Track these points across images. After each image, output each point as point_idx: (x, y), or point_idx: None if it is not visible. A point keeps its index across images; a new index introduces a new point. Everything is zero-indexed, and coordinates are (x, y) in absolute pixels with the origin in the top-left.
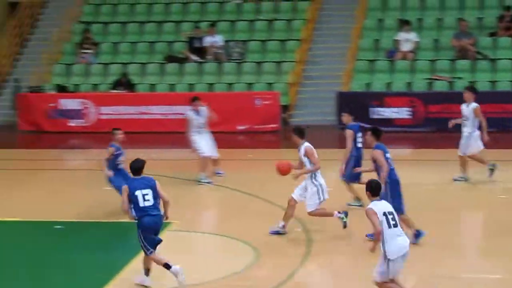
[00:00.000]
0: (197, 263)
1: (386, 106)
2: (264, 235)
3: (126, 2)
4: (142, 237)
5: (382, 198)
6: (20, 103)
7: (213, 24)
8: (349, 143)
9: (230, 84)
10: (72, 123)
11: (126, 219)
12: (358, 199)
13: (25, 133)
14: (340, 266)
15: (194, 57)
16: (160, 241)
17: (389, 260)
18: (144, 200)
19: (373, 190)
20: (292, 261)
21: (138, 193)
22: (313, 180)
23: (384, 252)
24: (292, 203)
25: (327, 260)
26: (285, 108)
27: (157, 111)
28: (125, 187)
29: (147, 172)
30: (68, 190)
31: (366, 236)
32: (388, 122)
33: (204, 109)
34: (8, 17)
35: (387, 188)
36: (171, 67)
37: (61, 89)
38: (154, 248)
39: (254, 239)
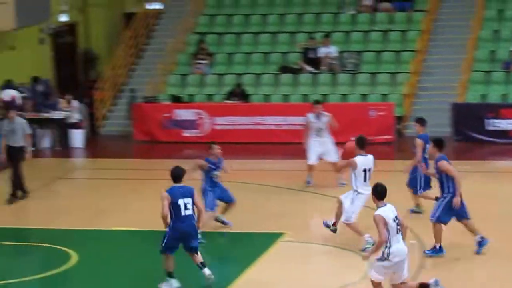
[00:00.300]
0: (311, 274)
1: (501, 118)
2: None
3: (241, 13)
4: (167, 238)
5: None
6: (135, 113)
7: (327, 34)
8: (419, 153)
9: (344, 95)
10: (187, 133)
11: (241, 230)
12: (418, 205)
13: (140, 143)
14: (455, 279)
15: (308, 68)
16: (196, 248)
17: (388, 261)
18: (185, 208)
19: (379, 194)
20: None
21: (181, 201)
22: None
23: (388, 253)
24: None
25: (442, 273)
26: (400, 119)
27: (271, 122)
28: (166, 195)
29: (261, 182)
30: None
31: (424, 252)
32: (504, 134)
33: (325, 114)
34: (124, 28)
35: (448, 200)
36: (286, 77)
37: (176, 99)
38: (171, 252)
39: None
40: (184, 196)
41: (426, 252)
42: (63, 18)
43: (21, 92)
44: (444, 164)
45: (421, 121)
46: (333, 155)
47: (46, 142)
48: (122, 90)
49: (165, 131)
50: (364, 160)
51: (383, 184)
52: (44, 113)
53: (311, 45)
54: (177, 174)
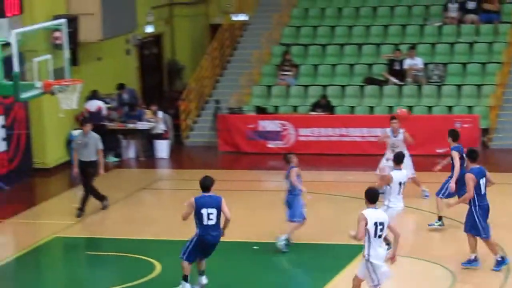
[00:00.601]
0: (394, 286)
1: None
2: (463, 259)
3: (326, 25)
4: (191, 245)
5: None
6: (220, 124)
7: (413, 46)
8: (457, 164)
9: (429, 107)
10: (271, 144)
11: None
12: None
13: (224, 154)
14: None
15: (393, 80)
16: (207, 256)
17: (371, 262)
18: (208, 219)
19: (370, 198)
20: (491, 286)
21: (204, 211)
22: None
23: (367, 255)
24: None
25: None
26: (485, 131)
27: (355, 134)
28: (192, 202)
29: (344, 193)
30: (266, 211)
31: (462, 264)
32: None
33: (400, 131)
34: (210, 39)
35: (477, 212)
36: (370, 89)
37: (261, 110)
38: (191, 260)
39: (453, 264)
40: (209, 206)
41: (463, 264)
42: (149, 29)
43: (107, 102)
44: (467, 177)
45: (453, 134)
46: (409, 170)
47: (131, 152)
48: (207, 101)
49: (249, 142)
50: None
51: (374, 188)
52: (129, 123)
53: (396, 56)
54: (205, 185)
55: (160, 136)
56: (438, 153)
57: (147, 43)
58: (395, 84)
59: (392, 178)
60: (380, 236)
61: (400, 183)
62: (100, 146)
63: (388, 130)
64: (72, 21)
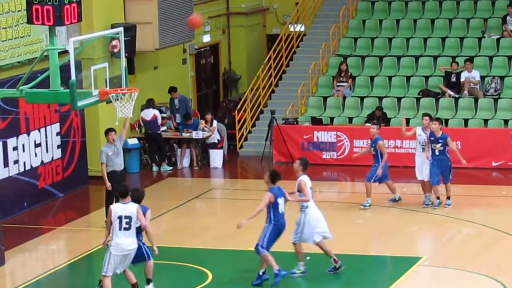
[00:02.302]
0: None
1: None
2: None
3: (383, 36)
4: (269, 234)
5: None
6: (275, 134)
7: (470, 59)
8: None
9: (485, 120)
10: (326, 155)
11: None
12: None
13: (279, 164)
14: None
15: (450, 92)
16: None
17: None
18: (282, 207)
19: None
20: None
21: (280, 200)
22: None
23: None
24: None
25: None
26: None
27: (411, 146)
28: (270, 194)
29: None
30: None
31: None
32: None
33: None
34: (266, 49)
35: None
36: (426, 101)
37: (316, 121)
38: (269, 247)
39: (505, 277)
40: (281, 196)
41: None
42: (206, 38)
43: (162, 111)
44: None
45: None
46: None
47: (185, 161)
48: (262, 111)
49: (304, 153)
50: None
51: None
52: (184, 133)
53: (453, 69)
54: (275, 177)
55: (214, 146)
56: (494, 166)
57: (204, 53)
58: (451, 96)
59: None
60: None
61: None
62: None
63: (418, 128)
64: (130, 29)
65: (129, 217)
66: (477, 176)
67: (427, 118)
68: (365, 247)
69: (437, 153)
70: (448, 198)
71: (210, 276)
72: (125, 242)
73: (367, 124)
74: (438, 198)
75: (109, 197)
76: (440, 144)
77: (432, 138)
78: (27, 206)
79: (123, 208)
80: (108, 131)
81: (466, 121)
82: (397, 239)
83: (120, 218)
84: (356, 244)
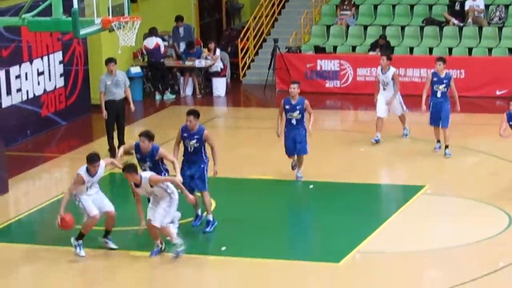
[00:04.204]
0: (449, 227)
1: None
2: None
3: None
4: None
5: None
6: (278, 63)
7: None
8: None
9: (489, 48)
10: (329, 84)
11: (382, 182)
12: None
13: (282, 93)
14: None
15: (454, 21)
16: None
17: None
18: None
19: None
20: None
21: (289, 115)
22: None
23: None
24: None
25: None
26: None
27: (414, 74)
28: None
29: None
30: (322, 151)
31: None
32: None
33: (392, 69)
34: None
35: None
36: (430, 30)
37: (319, 50)
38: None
39: (509, 206)
40: (293, 111)
41: None
42: None
43: (165, 40)
44: None
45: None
46: (398, 109)
47: (188, 90)
48: (265, 40)
49: (307, 81)
50: None
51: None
52: (187, 61)
53: None
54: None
55: (217, 74)
56: (498, 95)
57: None
58: (455, 25)
59: None
60: None
61: None
62: (128, 83)
63: (379, 68)
64: None
65: None
66: (481, 104)
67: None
68: (368, 176)
69: (438, 95)
70: (447, 147)
71: (214, 204)
72: None
73: (371, 53)
74: (438, 141)
75: (108, 126)
76: (443, 85)
77: (435, 79)
78: (30, 134)
79: None
80: (107, 61)
81: (470, 49)
82: (400, 168)
83: None
84: (359, 173)
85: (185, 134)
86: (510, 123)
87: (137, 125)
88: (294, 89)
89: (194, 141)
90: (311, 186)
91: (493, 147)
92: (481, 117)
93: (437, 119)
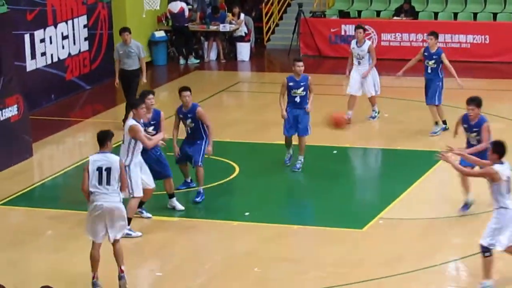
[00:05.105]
0: (471, 193)
1: None
2: None
3: None
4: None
5: None
6: (303, 28)
7: None
8: None
9: None
10: None
11: (400, 147)
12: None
13: (306, 57)
14: None
15: None
16: None
17: None
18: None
19: None
20: None
21: (293, 91)
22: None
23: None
24: None
25: None
26: None
27: (439, 40)
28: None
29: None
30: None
31: None
32: None
33: (367, 43)
34: None
35: None
36: None
37: (344, 15)
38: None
39: None
40: (297, 87)
41: None
42: None
43: (189, 4)
44: None
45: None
46: (371, 87)
47: (212, 54)
48: (290, 4)
49: (332, 46)
50: None
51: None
52: (211, 25)
53: None
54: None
55: (241, 39)
56: None
57: None
58: None
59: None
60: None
61: None
62: (143, 54)
63: (353, 41)
64: None
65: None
66: (503, 70)
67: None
68: (391, 142)
69: (429, 70)
70: (436, 123)
71: (237, 169)
72: None
73: (395, 18)
74: (444, 122)
75: (125, 92)
76: (433, 61)
77: (426, 54)
78: (54, 98)
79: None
80: (121, 31)
81: (494, 15)
82: (424, 135)
83: None
84: (382, 139)
85: (181, 115)
86: (464, 125)
87: (161, 89)
88: (301, 67)
89: (189, 120)
90: (334, 152)
91: None
92: (504, 83)
93: (431, 97)
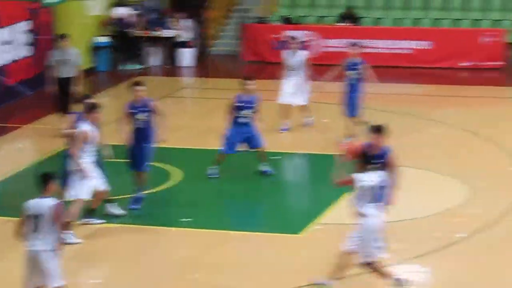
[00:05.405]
0: (410, 199)
1: None
2: (479, 173)
3: None
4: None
5: None
6: (246, 33)
7: None
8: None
9: (456, 20)
10: None
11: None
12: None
13: (249, 63)
14: None
15: None
16: None
17: None
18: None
19: None
20: (506, 201)
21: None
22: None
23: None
24: None
25: None
26: (511, 45)
27: (381, 45)
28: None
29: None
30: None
31: None
32: None
33: (301, 53)
34: None
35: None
36: (398, 1)
37: (286, 20)
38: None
39: (469, 177)
40: (248, 108)
41: None
42: None
43: (133, 9)
44: None
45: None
46: (298, 97)
47: (156, 60)
48: (234, 10)
49: (274, 52)
50: None
51: None
52: (155, 31)
53: None
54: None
55: (185, 44)
56: (462, 66)
57: None
58: None
59: None
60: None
61: None
62: (79, 62)
63: (286, 51)
64: None
65: None
66: (445, 76)
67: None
68: (328, 147)
69: (351, 81)
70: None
71: (181, 175)
72: None
73: (338, 24)
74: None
75: (60, 100)
76: (355, 71)
77: (348, 64)
78: None
79: None
80: (59, 37)
81: (437, 21)
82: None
83: None
84: (319, 144)
85: (132, 110)
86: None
87: (103, 95)
88: (252, 85)
89: (142, 114)
90: (274, 157)
91: (456, 118)
92: (445, 89)
93: (350, 106)
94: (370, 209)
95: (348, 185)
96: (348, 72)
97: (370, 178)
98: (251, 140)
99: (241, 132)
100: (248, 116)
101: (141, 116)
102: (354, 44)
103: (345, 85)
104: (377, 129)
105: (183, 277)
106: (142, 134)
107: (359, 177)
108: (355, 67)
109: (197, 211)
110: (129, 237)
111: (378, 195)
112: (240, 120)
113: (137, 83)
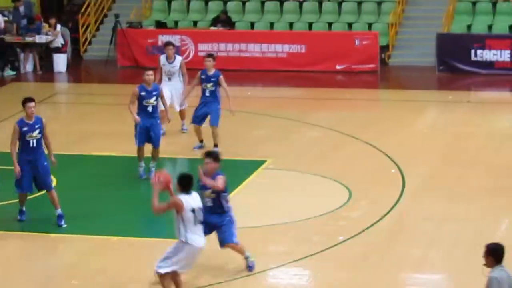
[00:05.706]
0: (290, 202)
1: (487, 49)
2: (359, 176)
3: None
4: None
5: None
6: (120, 38)
7: None
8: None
9: (329, 23)
10: None
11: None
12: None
13: (123, 69)
14: (435, 212)
15: None
16: None
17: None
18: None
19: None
20: (387, 204)
21: (145, 102)
22: None
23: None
24: None
25: (423, 203)
26: (384, 48)
27: (255, 49)
28: (135, 91)
29: (243, 109)
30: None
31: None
32: (489, 64)
33: (178, 58)
34: None
35: None
36: (271, 5)
37: (161, 25)
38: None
39: (349, 180)
40: (149, 98)
41: None
42: None
43: (4, 15)
44: None
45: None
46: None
47: (29, 66)
48: (106, 15)
49: (149, 56)
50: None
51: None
52: (27, 37)
53: None
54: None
55: (58, 50)
56: (338, 69)
57: None
58: (296, 0)
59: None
60: (198, 222)
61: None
62: None
63: (162, 56)
64: None
65: None
66: (321, 79)
67: (210, 59)
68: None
69: (207, 93)
70: (216, 145)
71: (55, 181)
72: None
73: (212, 28)
74: (201, 141)
75: None
76: (211, 84)
77: (203, 77)
78: None
79: None
80: None
81: (310, 24)
82: (241, 143)
83: None
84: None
85: (25, 128)
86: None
87: None
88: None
89: (37, 131)
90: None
91: (332, 121)
92: (321, 92)
93: (201, 118)
94: (194, 234)
95: (169, 210)
96: (205, 85)
97: (194, 201)
98: (150, 135)
99: (147, 123)
100: (152, 105)
101: (36, 134)
102: (209, 56)
103: (201, 97)
104: (211, 155)
105: (63, 283)
106: (37, 149)
107: (183, 200)
108: (211, 79)
109: (73, 217)
110: (5, 245)
111: (200, 218)
112: (146, 108)
113: (29, 100)
